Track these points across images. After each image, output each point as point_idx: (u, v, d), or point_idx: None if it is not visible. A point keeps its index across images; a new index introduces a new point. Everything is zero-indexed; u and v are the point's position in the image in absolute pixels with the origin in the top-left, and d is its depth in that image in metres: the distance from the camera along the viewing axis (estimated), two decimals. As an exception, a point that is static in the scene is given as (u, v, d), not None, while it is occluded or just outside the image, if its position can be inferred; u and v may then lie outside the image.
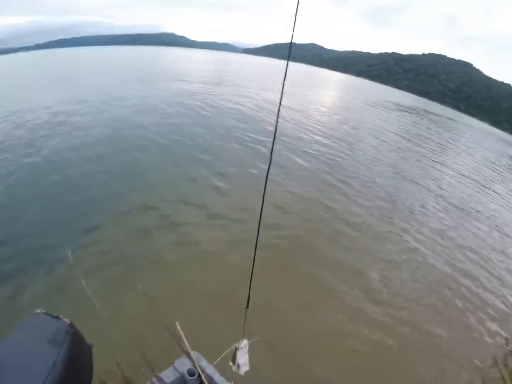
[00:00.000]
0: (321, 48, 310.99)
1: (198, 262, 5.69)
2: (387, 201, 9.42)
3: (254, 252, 2.02)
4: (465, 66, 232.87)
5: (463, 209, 10.83)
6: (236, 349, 2.23)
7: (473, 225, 9.90)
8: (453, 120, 49.12)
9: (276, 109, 1.64)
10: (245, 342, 2.25)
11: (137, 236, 6.13)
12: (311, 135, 14.30)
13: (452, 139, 25.60)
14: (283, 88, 1.57)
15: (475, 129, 49.77)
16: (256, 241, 1.99)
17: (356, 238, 7.29)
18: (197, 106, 15.78)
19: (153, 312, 3.28)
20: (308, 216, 7.67)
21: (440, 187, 12.20)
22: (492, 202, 12.85)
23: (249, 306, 2.17)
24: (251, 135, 12.40)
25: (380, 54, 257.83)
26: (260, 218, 1.91)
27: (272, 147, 1.54)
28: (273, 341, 4.23)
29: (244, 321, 2.22)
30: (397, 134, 19.32)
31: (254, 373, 2.40)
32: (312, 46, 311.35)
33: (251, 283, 2.07)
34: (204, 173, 8.86)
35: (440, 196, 11.41)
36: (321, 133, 14.82)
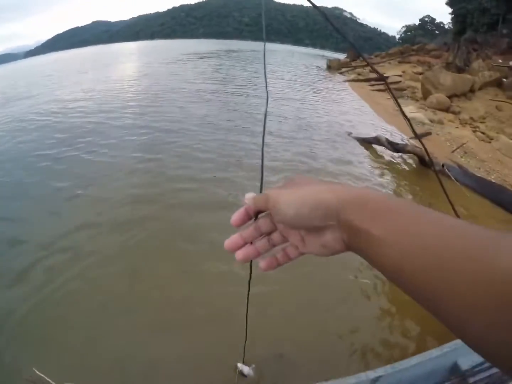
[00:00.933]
0: (107, 23, 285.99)
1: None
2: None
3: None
4: None
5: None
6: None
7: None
8: (255, 51, 49.71)
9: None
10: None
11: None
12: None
13: (258, 68, 24.81)
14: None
15: (279, 52, 53.62)
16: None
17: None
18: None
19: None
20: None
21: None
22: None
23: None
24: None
25: (169, 10, 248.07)
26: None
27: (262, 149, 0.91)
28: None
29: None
30: (205, 82, 16.98)
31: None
32: (96, 24, 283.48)
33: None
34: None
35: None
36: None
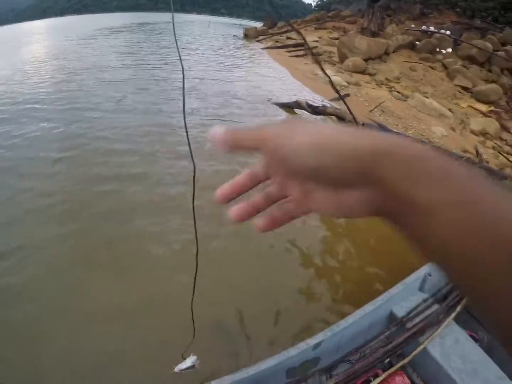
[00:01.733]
0: (11, 1, 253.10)
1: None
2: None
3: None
4: None
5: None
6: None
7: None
8: (170, 22, 45.21)
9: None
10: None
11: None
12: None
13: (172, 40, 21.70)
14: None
15: (195, 23, 50.78)
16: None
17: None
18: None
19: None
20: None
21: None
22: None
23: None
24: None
25: None
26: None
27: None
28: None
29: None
30: (121, 58, 14.68)
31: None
32: None
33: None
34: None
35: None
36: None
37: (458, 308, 2.41)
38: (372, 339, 2.16)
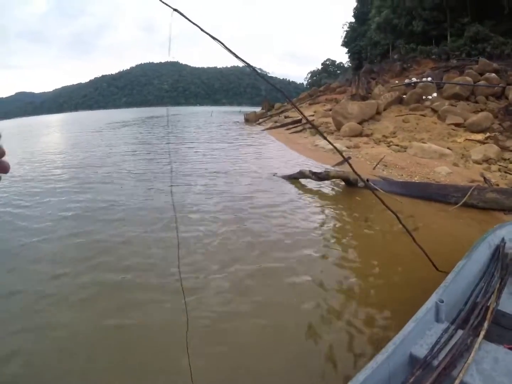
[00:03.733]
0: (31, 94, 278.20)
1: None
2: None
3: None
4: (173, 65, 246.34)
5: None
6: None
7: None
8: (177, 114, 52.70)
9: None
10: None
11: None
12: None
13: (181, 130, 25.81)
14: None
15: (199, 113, 55.48)
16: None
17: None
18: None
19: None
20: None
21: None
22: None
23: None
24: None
25: (91, 81, 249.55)
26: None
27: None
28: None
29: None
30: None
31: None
32: (19, 95, 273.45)
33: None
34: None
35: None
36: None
37: (485, 325, 2.26)
38: None
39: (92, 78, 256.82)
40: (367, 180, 7.29)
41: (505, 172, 8.52)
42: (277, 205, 7.01)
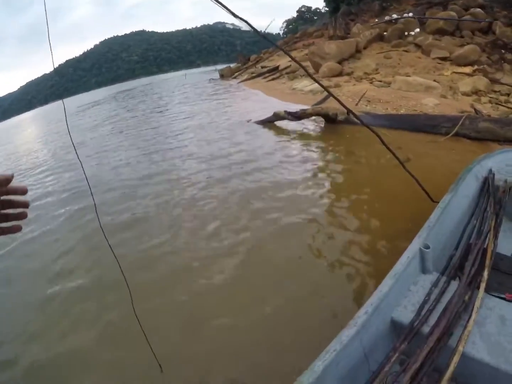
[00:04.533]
0: None
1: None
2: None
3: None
4: (140, 35, 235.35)
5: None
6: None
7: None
8: (149, 84, 50.67)
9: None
10: None
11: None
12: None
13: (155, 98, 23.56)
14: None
15: (171, 79, 52.55)
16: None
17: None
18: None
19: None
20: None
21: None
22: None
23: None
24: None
25: (55, 69, 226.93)
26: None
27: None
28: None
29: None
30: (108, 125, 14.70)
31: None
32: None
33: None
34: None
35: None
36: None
37: (485, 274, 1.76)
38: (378, 372, 1.36)
39: (56, 66, 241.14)
40: (348, 114, 6.62)
41: (497, 104, 7.95)
42: (252, 150, 6.62)
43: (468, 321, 1.48)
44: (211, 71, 52.88)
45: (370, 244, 3.24)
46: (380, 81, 10.95)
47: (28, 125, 32.66)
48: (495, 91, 8.99)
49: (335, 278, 2.91)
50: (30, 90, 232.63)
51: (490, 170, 2.82)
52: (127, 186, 5.97)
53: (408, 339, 1.47)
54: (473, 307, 1.56)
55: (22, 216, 0.56)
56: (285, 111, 7.56)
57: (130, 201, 5.27)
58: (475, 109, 7.38)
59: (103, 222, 2.41)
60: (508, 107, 7.55)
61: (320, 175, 5.20)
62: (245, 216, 4.13)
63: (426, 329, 1.50)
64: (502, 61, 11.54)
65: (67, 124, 2.29)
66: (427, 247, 1.87)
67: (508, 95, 8.67)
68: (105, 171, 7.16)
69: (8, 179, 0.53)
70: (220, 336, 2.44)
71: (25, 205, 0.56)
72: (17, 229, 0.56)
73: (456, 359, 1.33)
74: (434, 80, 9.92)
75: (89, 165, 7.65)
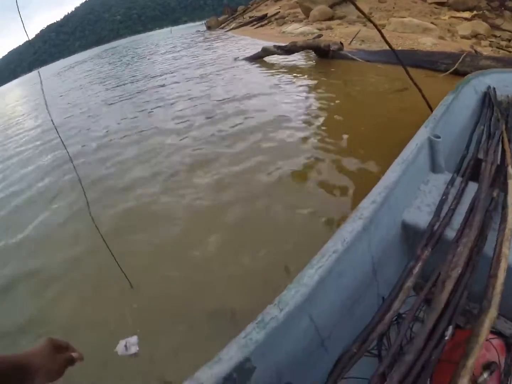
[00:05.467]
0: None
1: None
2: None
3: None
4: None
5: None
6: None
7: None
8: (134, 40, 49.73)
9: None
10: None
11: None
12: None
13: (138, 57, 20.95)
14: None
15: (155, 35, 52.36)
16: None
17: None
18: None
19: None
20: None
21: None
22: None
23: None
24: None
25: (37, 35, 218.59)
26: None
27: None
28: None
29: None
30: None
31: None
32: None
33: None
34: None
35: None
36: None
37: (510, 170, 1.46)
38: (396, 291, 1.04)
39: (38, 32, 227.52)
40: (341, 44, 6.13)
41: (498, 48, 7.50)
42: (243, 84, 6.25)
43: (503, 225, 1.14)
44: (197, 26, 51.38)
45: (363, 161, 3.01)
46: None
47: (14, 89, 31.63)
48: (495, 36, 8.52)
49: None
50: (12, 59, 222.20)
51: (489, 86, 2.55)
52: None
53: (431, 245, 1.16)
54: (505, 208, 1.23)
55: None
56: (274, 45, 7.11)
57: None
58: (475, 50, 6.92)
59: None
60: (509, 51, 7.13)
61: (314, 100, 4.91)
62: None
63: (451, 233, 1.22)
64: (503, 8, 11.03)
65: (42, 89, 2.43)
66: (438, 136, 1.61)
67: (509, 40, 8.22)
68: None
69: (79, 358, 0.66)
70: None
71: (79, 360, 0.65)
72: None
73: (503, 265, 0.99)
74: (431, 23, 9.35)
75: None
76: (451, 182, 1.50)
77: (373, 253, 1.19)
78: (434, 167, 1.64)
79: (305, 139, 3.62)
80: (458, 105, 2.14)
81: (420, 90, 2.89)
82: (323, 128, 3.93)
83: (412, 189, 1.48)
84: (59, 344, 0.63)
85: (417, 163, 1.51)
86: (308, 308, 0.95)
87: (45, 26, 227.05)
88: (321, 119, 4.13)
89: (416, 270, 1.08)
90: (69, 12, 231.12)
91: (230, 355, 0.79)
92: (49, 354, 0.59)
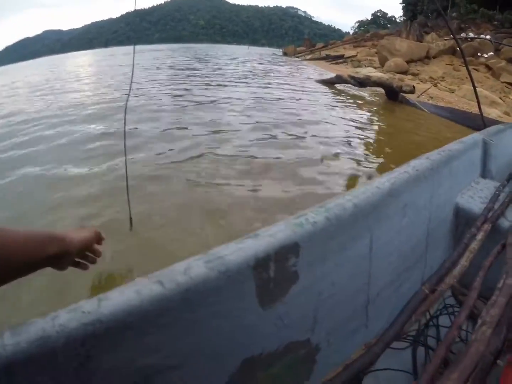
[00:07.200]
0: (58, 32, 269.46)
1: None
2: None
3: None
4: (211, 1, 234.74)
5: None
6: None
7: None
8: (212, 46, 54.48)
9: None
10: None
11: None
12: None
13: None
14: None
15: (236, 48, 55.15)
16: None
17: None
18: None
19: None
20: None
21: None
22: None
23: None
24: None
25: (122, 16, 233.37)
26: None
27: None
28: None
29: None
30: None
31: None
32: (47, 33, 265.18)
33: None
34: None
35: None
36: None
37: None
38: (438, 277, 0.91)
39: (124, 13, 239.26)
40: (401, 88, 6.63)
41: None
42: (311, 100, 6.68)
43: None
44: (275, 50, 52.60)
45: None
46: (445, 87, 10.85)
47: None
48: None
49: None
50: (92, 30, 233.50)
51: None
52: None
53: (484, 232, 1.08)
54: None
55: (93, 261, 0.68)
56: (349, 75, 7.68)
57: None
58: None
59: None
60: None
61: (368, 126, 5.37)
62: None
63: (505, 223, 1.17)
64: None
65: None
66: (492, 139, 1.56)
67: None
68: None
69: (102, 239, 0.69)
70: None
71: (99, 255, 0.68)
72: (86, 267, 0.68)
73: None
74: (500, 98, 9.76)
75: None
76: (502, 186, 1.40)
77: (430, 226, 1.13)
78: (484, 172, 1.55)
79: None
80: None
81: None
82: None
83: (465, 180, 1.42)
84: (102, 238, 0.67)
85: (466, 162, 1.39)
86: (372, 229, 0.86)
87: (132, 10, 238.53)
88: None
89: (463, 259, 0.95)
90: (158, 4, 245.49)
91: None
92: (92, 240, 0.63)
